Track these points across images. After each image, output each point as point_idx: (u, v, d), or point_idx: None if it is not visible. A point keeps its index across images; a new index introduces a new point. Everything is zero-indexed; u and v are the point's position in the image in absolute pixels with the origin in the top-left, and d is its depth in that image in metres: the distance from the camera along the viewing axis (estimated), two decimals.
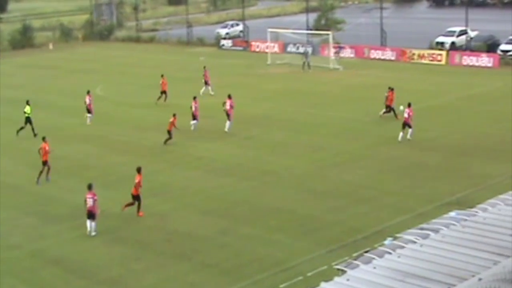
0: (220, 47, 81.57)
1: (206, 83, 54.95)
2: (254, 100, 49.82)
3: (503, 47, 65.88)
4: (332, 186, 33.30)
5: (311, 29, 76.67)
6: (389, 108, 44.84)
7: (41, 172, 35.61)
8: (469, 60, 64.23)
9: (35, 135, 43.58)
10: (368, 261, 14.71)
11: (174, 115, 41.43)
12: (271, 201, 31.68)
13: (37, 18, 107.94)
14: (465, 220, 15.91)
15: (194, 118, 44.15)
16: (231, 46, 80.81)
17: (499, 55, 64.24)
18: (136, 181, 30.28)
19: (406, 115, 40.17)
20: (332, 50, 67.19)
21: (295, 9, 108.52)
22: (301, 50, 70.10)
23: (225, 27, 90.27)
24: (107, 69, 71.16)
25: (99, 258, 26.82)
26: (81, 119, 47.97)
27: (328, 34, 68.98)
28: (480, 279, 12.09)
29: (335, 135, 42.28)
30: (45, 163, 35.51)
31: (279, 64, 67.44)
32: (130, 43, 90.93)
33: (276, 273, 24.71)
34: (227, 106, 43.46)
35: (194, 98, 44.76)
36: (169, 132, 41.15)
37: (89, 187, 28.79)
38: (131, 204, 30.55)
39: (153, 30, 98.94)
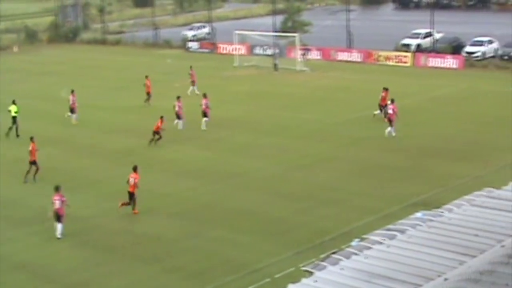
0: (187, 49, 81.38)
1: (193, 83, 55.19)
2: (222, 102, 49.78)
3: (468, 49, 66.53)
4: (299, 188, 33.38)
5: (278, 31, 76.79)
6: (381, 108, 44.72)
7: (28, 172, 35.61)
8: (435, 61, 64.78)
9: (17, 135, 43.87)
10: (335, 262, 14.77)
11: (161, 117, 41.33)
12: (239, 203, 31.68)
13: (1, 20, 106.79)
14: (431, 220, 16.02)
15: (178, 117, 44.40)
16: (198, 48, 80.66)
17: (464, 56, 64.87)
18: (135, 180, 30.50)
19: (390, 111, 40.99)
20: (299, 52, 67.32)
21: (262, 11, 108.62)
22: (270, 52, 70.31)
23: (191, 29, 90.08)
24: (73, 71, 70.65)
25: (67, 262, 26.64)
26: (45, 121, 47.61)
27: (294, 36, 69.11)
28: (446, 279, 12.19)
29: (303, 136, 42.40)
30: (33, 163, 35.58)
31: (246, 66, 67.47)
32: (96, 45, 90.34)
33: (244, 275, 24.72)
34: (203, 105, 44.16)
35: (178, 98, 45.04)
36: (157, 132, 41.09)
37: (56, 188, 28.68)
38: (127, 203, 30.64)
39: (119, 32, 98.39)
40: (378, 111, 44.82)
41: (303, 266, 21.20)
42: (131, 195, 30.71)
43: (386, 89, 45.21)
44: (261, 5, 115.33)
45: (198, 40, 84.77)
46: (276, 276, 24.27)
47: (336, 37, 72.94)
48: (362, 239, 19.84)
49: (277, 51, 68.34)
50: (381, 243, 15.31)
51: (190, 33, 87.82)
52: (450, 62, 64.03)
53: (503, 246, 12.76)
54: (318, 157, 38.18)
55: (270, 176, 35.33)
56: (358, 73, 62.45)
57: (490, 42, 67.22)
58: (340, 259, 14.89)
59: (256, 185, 33.99)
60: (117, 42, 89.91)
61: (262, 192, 33.03)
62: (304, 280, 14.07)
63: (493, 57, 65.74)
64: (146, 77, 52.88)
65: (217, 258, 26.33)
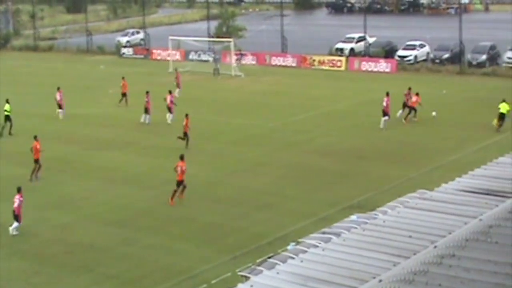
0: (120, 55, 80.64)
1: (178, 85, 55.35)
2: (156, 108, 49.29)
3: (400, 52, 67.43)
4: (234, 193, 33.26)
5: (212, 37, 76.69)
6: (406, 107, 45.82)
7: (33, 170, 35.88)
8: (368, 65, 65.48)
9: (10, 133, 45.37)
10: (271, 267, 14.70)
11: (186, 115, 41.37)
12: (174, 210, 31.38)
13: None
14: (366, 223, 16.08)
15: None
16: (132, 54, 79.99)
17: (397, 60, 65.72)
18: (182, 167, 31.69)
19: (384, 103, 42.96)
20: (234, 57, 67.33)
21: (196, 16, 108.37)
22: (209, 57, 70.32)
23: (125, 35, 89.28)
24: (3, 78, 69.23)
25: None
26: None
27: (229, 42, 69.10)
28: (380, 281, 12.21)
29: (238, 142, 42.31)
30: (36, 161, 36.10)
31: (181, 72, 67.09)
32: (27, 52, 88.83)
33: (179, 282, 24.47)
34: (168, 101, 46.66)
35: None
36: (185, 134, 41.01)
37: (18, 189, 29.26)
38: (175, 191, 31.76)
39: (51, 38, 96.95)
40: (400, 111, 45.82)
41: (239, 271, 21.06)
42: (179, 183, 31.85)
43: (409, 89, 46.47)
44: (195, 11, 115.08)
45: (132, 46, 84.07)
46: (213, 282, 24.09)
47: (270, 42, 73.17)
48: (298, 243, 19.80)
49: (217, 56, 68.34)
50: (316, 246, 15.30)
51: (124, 39, 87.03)
52: (383, 66, 64.79)
53: (435, 247, 12.84)
54: (254, 162, 38.13)
55: (206, 182, 35.12)
56: (293, 78, 62.70)
57: (422, 46, 68.26)
58: (276, 263, 14.83)
59: (192, 191, 33.68)
60: (49, 49, 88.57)
61: (198, 198, 32.80)
62: (240, 285, 13.97)
63: (425, 60, 66.77)
64: (123, 78, 53.79)
65: (152, 265, 26.00)
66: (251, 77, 63.87)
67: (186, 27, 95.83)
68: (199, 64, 68.40)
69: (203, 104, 53.12)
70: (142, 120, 46.80)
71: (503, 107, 42.81)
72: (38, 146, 36.38)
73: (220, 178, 35.68)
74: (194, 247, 27.33)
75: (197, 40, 72.93)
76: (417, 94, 45.44)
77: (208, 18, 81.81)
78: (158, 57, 76.41)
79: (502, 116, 42.59)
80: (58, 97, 49.62)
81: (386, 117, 43.61)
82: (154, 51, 78.08)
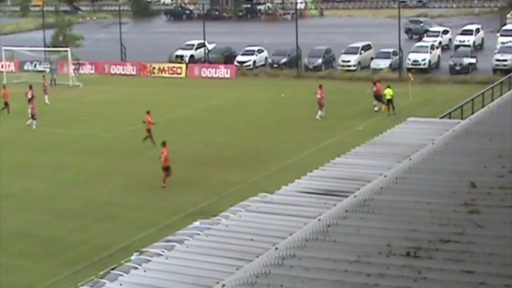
0: None
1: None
2: None
3: (239, 58, 68.19)
4: (75, 205, 32.44)
5: (48, 46, 74.73)
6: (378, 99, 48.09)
7: None
8: (208, 72, 65.82)
9: None
10: (114, 278, 14.37)
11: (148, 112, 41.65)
12: (10, 226, 30.15)
13: None
14: (209, 228, 16.02)
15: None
16: None
17: (236, 66, 66.41)
18: (165, 154, 33.85)
19: (318, 96, 45.39)
20: (71, 67, 65.84)
21: (31, 25, 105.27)
22: (45, 67, 68.49)
23: None
24: None
25: None
26: None
27: (66, 51, 67.55)
28: (223, 285, 12.16)
29: (77, 153, 41.32)
30: None
31: (16, 83, 64.89)
32: None
33: None
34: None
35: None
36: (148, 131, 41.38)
37: None
38: (165, 176, 33.96)
39: None
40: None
41: (81, 285, 20.51)
42: (166, 169, 34.04)
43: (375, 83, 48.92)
44: (30, 20, 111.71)
45: None
46: None
47: (109, 50, 72.18)
48: (142, 253, 19.53)
49: (53, 66, 66.62)
50: (160, 255, 15.09)
51: None
52: (223, 71, 65.31)
53: (277, 248, 12.93)
54: (93, 172, 37.36)
55: (43, 195, 34.07)
56: (133, 86, 62.03)
57: (260, 51, 69.30)
58: (120, 274, 14.51)
59: (29, 205, 32.58)
60: None
61: (36, 212, 31.74)
62: None
63: (263, 65, 67.85)
64: (4, 87, 53.60)
65: None
66: (90, 86, 62.64)
67: (21, 37, 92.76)
68: (34, 74, 66.38)
69: (40, 115, 51.42)
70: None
71: (389, 93, 47.28)
72: None
73: (59, 190, 34.71)
74: (34, 263, 26.43)
75: (33, 50, 70.87)
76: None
77: (44, 27, 79.69)
78: None
79: (390, 101, 47.11)
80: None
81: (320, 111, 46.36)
82: None
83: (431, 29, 76.62)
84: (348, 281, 10.96)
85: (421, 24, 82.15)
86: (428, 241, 11.78)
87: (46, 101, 53.57)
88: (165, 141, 34.70)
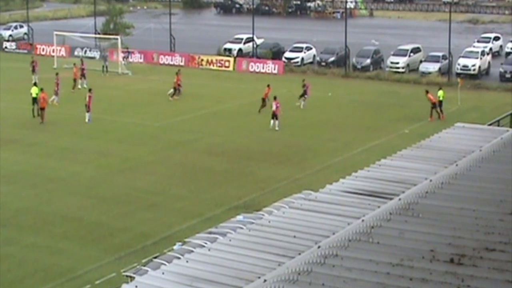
0: (3, 49, 78.29)
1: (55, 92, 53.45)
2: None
3: (287, 54, 68.18)
4: (120, 192, 32.85)
5: (99, 33, 75.50)
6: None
7: None
8: (256, 66, 65.93)
9: None
10: (156, 267, 14.57)
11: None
12: (56, 209, 30.71)
13: None
14: (252, 223, 16.14)
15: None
16: (14, 49, 77.76)
17: (284, 62, 66.43)
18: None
19: (274, 107, 43.64)
20: (121, 55, 66.47)
21: (83, 12, 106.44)
22: (97, 54, 69.22)
23: (8, 29, 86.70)
24: None
25: None
26: None
27: (116, 39, 68.17)
28: (265, 281, 12.27)
29: (123, 140, 41.80)
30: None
31: (66, 68, 65.72)
32: None
33: (62, 283, 23.98)
34: (87, 98, 45.79)
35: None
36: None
37: None
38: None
39: None
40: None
41: (124, 271, 20.83)
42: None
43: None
44: (82, 6, 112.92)
45: (14, 40, 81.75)
46: (97, 282, 23.73)
47: (158, 40, 72.63)
48: (184, 243, 19.73)
49: (105, 53, 67.28)
50: (202, 246, 15.26)
51: (6, 33, 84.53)
52: (270, 67, 65.36)
53: (319, 247, 13.02)
54: (139, 161, 37.76)
55: (90, 180, 34.54)
56: (181, 77, 62.27)
57: (309, 48, 69.21)
58: (162, 263, 14.72)
59: (75, 190, 33.09)
60: None
61: (82, 196, 32.22)
62: (125, 286, 13.76)
63: (311, 63, 67.76)
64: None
65: (33, 265, 25.37)
66: (139, 75, 63.20)
67: (72, 23, 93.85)
68: (85, 60, 67.07)
69: (82, 101, 52.00)
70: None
71: (441, 95, 46.86)
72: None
73: (105, 176, 35.16)
74: (77, 247, 26.83)
75: (83, 36, 71.65)
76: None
77: (95, 14, 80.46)
78: (42, 52, 74.55)
79: (440, 103, 46.62)
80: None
81: (273, 120, 43.95)
82: (38, 46, 76.15)
83: (482, 35, 75.70)
84: (390, 284, 10.99)
85: None
86: (472, 249, 11.75)
87: (84, 85, 54.17)
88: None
